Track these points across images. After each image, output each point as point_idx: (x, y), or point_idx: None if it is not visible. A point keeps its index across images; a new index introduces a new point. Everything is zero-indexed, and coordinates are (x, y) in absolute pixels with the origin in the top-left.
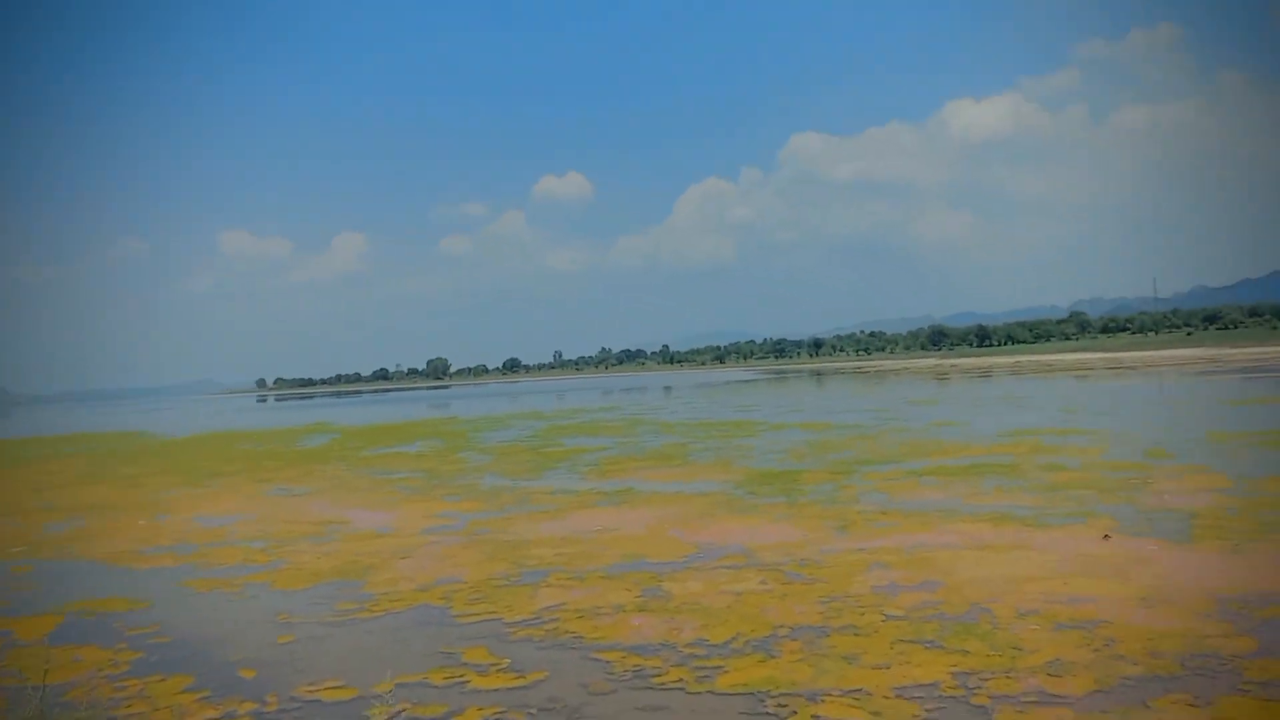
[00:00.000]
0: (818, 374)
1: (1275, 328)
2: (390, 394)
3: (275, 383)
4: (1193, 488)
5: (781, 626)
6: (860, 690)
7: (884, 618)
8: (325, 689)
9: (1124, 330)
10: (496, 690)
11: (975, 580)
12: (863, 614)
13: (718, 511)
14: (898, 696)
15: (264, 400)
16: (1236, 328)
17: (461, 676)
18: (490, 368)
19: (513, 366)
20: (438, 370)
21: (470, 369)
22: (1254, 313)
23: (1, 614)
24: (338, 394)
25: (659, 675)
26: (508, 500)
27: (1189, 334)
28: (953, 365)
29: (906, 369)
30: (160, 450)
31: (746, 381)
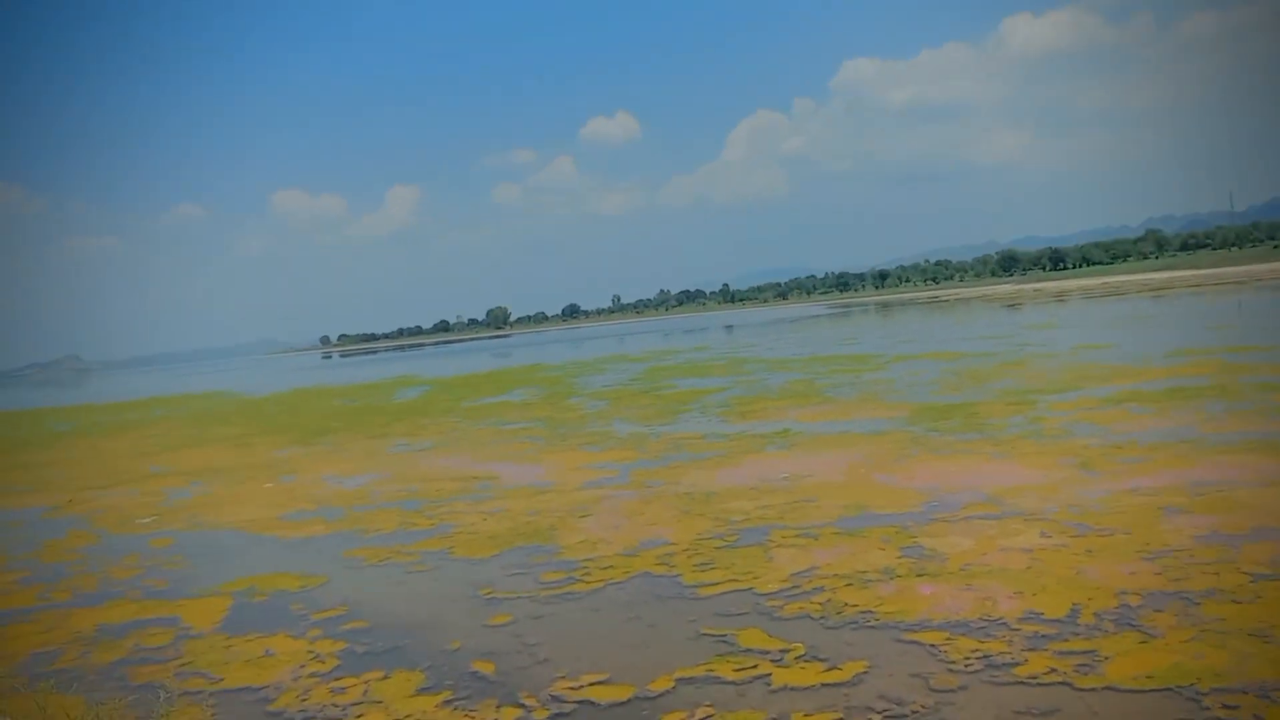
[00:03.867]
0: (889, 306)
1: None
2: (455, 345)
3: (339, 339)
4: None
5: (1125, 593)
6: None
7: (1250, 578)
8: (590, 686)
9: (1204, 247)
10: (813, 688)
11: None
12: (1216, 574)
13: (912, 451)
14: None
15: (329, 357)
16: None
17: (754, 668)
18: (550, 314)
19: (572, 312)
20: (498, 319)
21: (530, 316)
22: None
23: (161, 595)
24: (401, 348)
25: (1019, 666)
26: (659, 447)
27: (1277, 247)
28: (1035, 289)
29: (985, 296)
30: (251, 409)
31: (817, 317)
